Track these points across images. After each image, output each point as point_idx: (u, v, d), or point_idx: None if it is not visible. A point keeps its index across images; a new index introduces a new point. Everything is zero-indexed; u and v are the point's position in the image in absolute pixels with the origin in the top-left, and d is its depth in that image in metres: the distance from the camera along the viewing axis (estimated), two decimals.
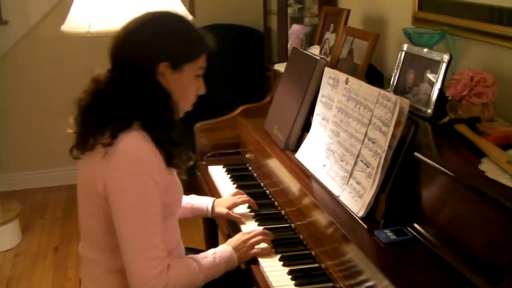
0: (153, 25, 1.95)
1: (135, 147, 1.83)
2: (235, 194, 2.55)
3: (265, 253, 2.13)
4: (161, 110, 1.92)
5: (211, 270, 2.00)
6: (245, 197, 2.51)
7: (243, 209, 2.49)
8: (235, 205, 2.47)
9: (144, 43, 1.93)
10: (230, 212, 2.43)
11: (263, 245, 2.15)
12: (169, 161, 1.91)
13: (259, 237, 2.16)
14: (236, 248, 2.10)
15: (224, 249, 2.09)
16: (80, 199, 2.00)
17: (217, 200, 2.49)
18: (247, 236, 2.16)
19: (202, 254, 2.04)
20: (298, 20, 4.14)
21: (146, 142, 1.85)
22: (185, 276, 1.91)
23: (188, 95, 2.04)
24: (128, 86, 1.90)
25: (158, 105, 1.91)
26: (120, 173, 1.82)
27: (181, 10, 3.21)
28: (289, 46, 3.86)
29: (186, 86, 2.01)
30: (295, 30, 3.80)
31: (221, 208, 2.44)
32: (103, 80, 1.94)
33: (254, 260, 2.12)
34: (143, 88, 1.90)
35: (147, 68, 1.92)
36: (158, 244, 1.85)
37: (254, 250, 2.12)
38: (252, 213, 2.46)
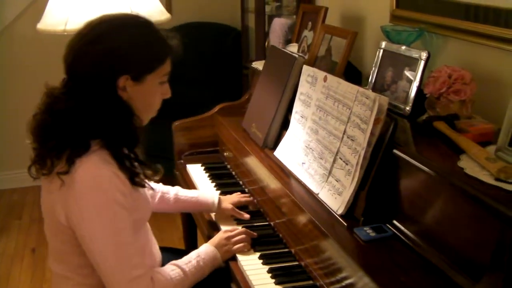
0: (111, 37, 1.80)
1: (93, 174, 1.72)
2: (238, 194, 2.54)
3: (247, 250, 2.13)
4: (122, 126, 1.80)
5: (197, 274, 1.99)
6: (248, 196, 2.53)
7: None
8: (240, 203, 2.47)
9: (102, 56, 1.78)
10: (235, 208, 2.42)
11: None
12: (133, 181, 1.82)
13: (242, 236, 2.17)
14: (218, 246, 2.10)
15: (208, 250, 2.08)
16: (45, 220, 1.93)
17: (222, 197, 2.48)
18: (230, 234, 2.16)
19: (185, 259, 2.01)
20: (276, 17, 4.13)
21: (106, 164, 1.75)
22: (171, 287, 1.89)
23: (152, 105, 1.93)
24: (85, 103, 1.77)
25: (118, 122, 1.79)
26: (82, 206, 1.73)
27: (158, 8, 3.19)
28: (267, 43, 3.85)
29: (149, 96, 1.89)
30: (278, 25, 3.79)
31: (227, 204, 2.43)
32: (59, 96, 1.81)
33: (232, 257, 2.12)
34: (102, 104, 1.77)
35: (105, 83, 1.78)
36: (136, 263, 1.79)
37: (236, 247, 2.12)
38: None
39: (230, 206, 2.42)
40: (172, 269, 1.94)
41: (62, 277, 1.95)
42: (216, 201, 2.43)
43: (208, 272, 2.04)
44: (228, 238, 2.14)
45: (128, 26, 1.86)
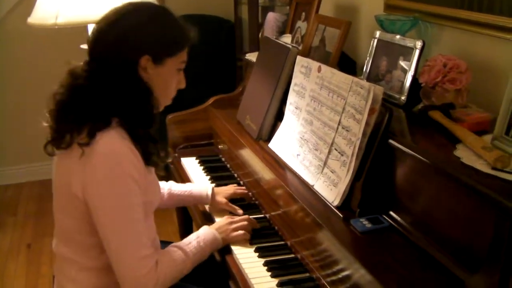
0: (135, 17, 1.87)
1: (113, 147, 1.76)
2: (234, 186, 2.55)
3: (247, 238, 2.14)
4: (141, 106, 1.85)
5: (198, 255, 1.99)
6: (243, 189, 2.52)
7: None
8: (235, 195, 2.47)
9: (125, 35, 1.83)
10: (229, 202, 2.42)
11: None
12: (148, 160, 1.86)
13: (244, 223, 2.17)
14: (219, 230, 2.10)
15: (207, 231, 2.08)
16: (55, 198, 1.94)
17: (216, 188, 2.48)
18: (232, 219, 2.17)
19: (186, 240, 2.02)
20: (269, 9, 4.11)
21: (125, 141, 1.79)
22: (173, 268, 1.89)
23: (169, 90, 1.98)
24: (108, 81, 1.81)
25: (138, 101, 1.84)
26: (99, 176, 1.75)
27: (151, 0, 3.16)
28: (261, 35, 3.83)
29: (167, 80, 1.94)
30: (272, 18, 3.78)
31: (221, 197, 2.43)
32: (81, 73, 1.85)
33: (228, 250, 2.11)
34: (123, 83, 1.82)
35: (128, 62, 1.84)
36: (145, 242, 1.82)
37: (237, 233, 2.13)
38: None
39: (224, 200, 2.42)
40: (174, 250, 1.95)
41: (67, 261, 1.95)
42: (209, 193, 2.43)
43: (209, 253, 2.04)
44: (230, 223, 2.15)
45: (151, 9, 1.93)
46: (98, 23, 1.88)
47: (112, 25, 1.85)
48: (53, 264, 2.06)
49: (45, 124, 1.89)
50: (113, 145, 1.77)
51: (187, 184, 2.50)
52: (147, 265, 1.79)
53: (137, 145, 1.82)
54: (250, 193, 2.50)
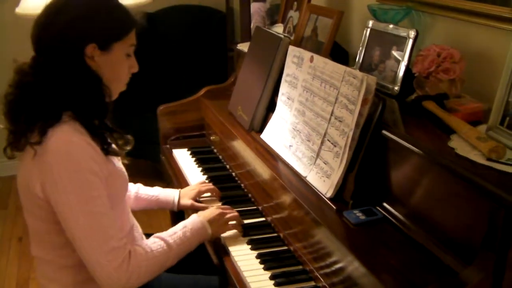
0: (76, 6, 1.81)
1: (66, 142, 1.72)
2: (200, 183, 2.50)
3: (239, 230, 2.12)
4: (92, 96, 1.81)
5: (182, 245, 1.94)
6: (209, 185, 2.47)
7: (209, 194, 2.46)
8: (200, 193, 2.43)
9: (68, 26, 1.79)
10: (194, 202, 2.38)
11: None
12: (106, 150, 1.83)
13: (235, 214, 2.15)
14: (210, 220, 2.05)
15: (195, 220, 2.04)
16: (21, 201, 1.91)
17: (182, 191, 2.44)
18: (223, 211, 2.13)
19: (170, 230, 1.97)
20: (254, 1, 4.08)
21: (78, 134, 1.75)
22: (152, 259, 1.84)
23: (120, 76, 1.93)
24: (55, 75, 1.77)
25: (88, 91, 1.80)
26: (56, 174, 1.72)
27: None
28: (252, 25, 3.81)
29: (117, 66, 1.90)
30: (256, 9, 3.76)
31: (186, 200, 2.40)
32: (28, 70, 1.82)
33: (221, 244, 2.09)
34: (71, 75, 1.78)
35: (73, 52, 1.80)
36: (113, 235, 1.77)
37: (228, 226, 2.11)
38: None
39: (189, 202, 2.39)
40: (153, 241, 1.91)
41: (44, 262, 1.94)
42: (176, 200, 2.40)
43: (196, 245, 1.99)
44: (222, 214, 2.10)
45: None
46: (40, 15, 1.84)
47: (54, 16, 1.81)
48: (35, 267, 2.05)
49: (1, 126, 1.86)
50: (66, 139, 1.73)
51: (155, 188, 2.45)
52: (117, 258, 1.75)
53: (93, 137, 1.79)
54: (214, 187, 2.47)
